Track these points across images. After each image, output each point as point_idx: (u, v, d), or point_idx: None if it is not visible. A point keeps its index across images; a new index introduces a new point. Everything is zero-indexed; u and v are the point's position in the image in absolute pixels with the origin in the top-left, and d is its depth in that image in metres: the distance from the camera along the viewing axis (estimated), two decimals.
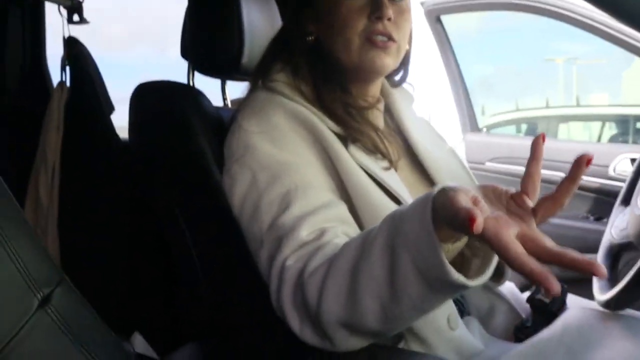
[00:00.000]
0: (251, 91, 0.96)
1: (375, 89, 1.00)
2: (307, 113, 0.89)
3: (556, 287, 0.50)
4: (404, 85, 1.09)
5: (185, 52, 1.11)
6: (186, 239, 0.94)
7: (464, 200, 0.55)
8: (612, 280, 1.06)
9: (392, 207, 0.85)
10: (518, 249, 0.52)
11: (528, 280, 0.51)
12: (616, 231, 1.12)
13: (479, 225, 0.51)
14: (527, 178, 0.65)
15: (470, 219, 0.51)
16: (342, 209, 0.84)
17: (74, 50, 1.41)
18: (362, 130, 0.91)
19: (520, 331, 1.03)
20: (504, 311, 1.06)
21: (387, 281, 0.64)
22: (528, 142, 0.68)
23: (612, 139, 3.37)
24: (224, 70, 1.13)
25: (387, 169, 0.91)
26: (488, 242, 0.53)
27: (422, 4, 2.31)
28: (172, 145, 0.96)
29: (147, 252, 1.27)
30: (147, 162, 1.00)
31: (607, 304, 1.00)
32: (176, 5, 1.15)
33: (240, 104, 0.96)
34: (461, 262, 0.68)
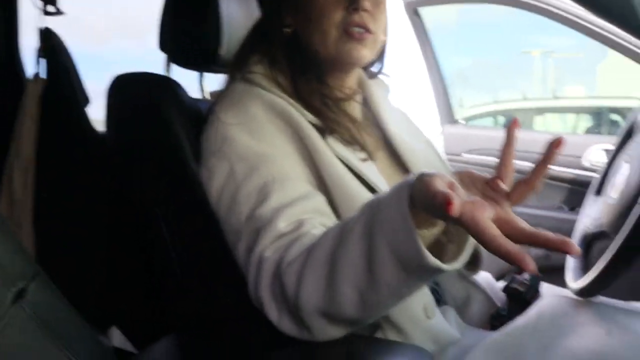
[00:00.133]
0: (229, 83, 0.96)
1: (352, 80, 1.00)
2: (284, 105, 0.89)
3: (532, 265, 0.51)
4: (381, 76, 1.10)
5: (162, 45, 1.10)
6: (164, 232, 0.94)
7: (441, 185, 0.56)
8: (585, 269, 1.08)
9: (369, 198, 0.86)
10: (494, 231, 0.53)
11: (505, 261, 0.52)
12: (589, 220, 1.14)
13: (455, 208, 0.52)
14: (501, 163, 0.67)
15: (447, 202, 0.52)
16: (320, 200, 0.85)
17: (49, 42, 1.39)
18: (339, 122, 0.91)
19: (496, 319, 1.05)
20: (480, 300, 1.08)
21: (365, 268, 0.65)
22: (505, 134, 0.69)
23: (587, 131, 3.43)
24: (202, 63, 1.12)
25: (364, 160, 0.91)
26: (464, 225, 0.54)
27: None
28: (150, 138, 0.95)
29: (124, 246, 1.26)
30: (124, 155, 0.99)
31: (580, 292, 1.02)
32: None
33: (218, 96, 0.96)
34: (437, 249, 0.69)
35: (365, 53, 0.92)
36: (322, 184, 0.87)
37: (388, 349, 0.76)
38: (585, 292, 1.01)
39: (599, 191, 1.20)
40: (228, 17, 1.05)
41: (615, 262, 0.95)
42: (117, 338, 1.29)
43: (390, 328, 0.86)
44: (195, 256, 0.94)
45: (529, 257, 0.51)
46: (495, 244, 0.52)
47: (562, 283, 1.11)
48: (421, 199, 0.59)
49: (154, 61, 1.16)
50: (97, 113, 1.22)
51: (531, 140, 1.76)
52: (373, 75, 1.08)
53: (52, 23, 1.44)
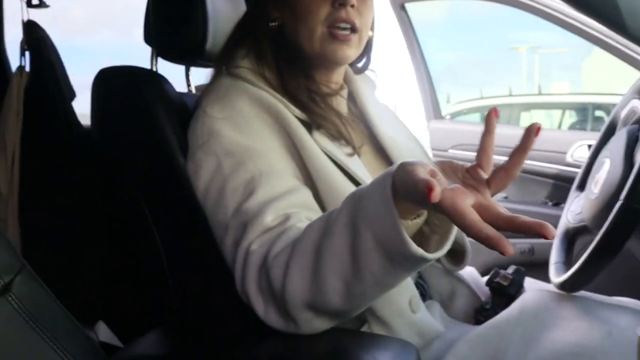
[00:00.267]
0: (215, 77, 0.96)
1: (338, 76, 1.00)
2: (271, 99, 0.89)
3: (510, 249, 0.52)
4: (367, 72, 1.10)
5: (148, 38, 1.10)
6: (151, 226, 0.94)
7: (422, 173, 0.57)
8: (568, 264, 1.09)
9: None
10: (474, 216, 0.54)
11: (485, 245, 0.53)
12: (572, 215, 1.15)
13: (436, 195, 0.53)
14: (481, 151, 0.67)
15: (428, 189, 0.53)
16: (306, 194, 0.85)
17: (34, 35, 1.38)
18: (325, 117, 0.92)
19: (480, 313, 1.06)
20: (464, 295, 1.09)
21: (350, 258, 0.66)
22: None
23: (572, 126, 3.45)
24: (188, 56, 1.12)
25: (350, 155, 0.92)
26: (445, 212, 0.55)
27: None
28: (136, 132, 0.95)
29: (111, 240, 1.25)
30: (110, 149, 0.99)
31: (563, 286, 1.03)
32: None
33: (204, 90, 0.96)
34: (421, 240, 0.70)
35: (350, 53, 0.93)
36: (309, 178, 0.88)
37: (373, 343, 0.77)
38: (568, 287, 1.03)
39: (581, 186, 1.22)
40: (214, 10, 1.04)
41: (597, 257, 0.96)
42: (103, 332, 1.29)
43: (376, 322, 0.87)
44: (182, 250, 0.94)
45: (508, 241, 0.52)
46: (475, 229, 0.53)
47: (545, 278, 1.12)
48: (403, 188, 0.60)
49: (140, 55, 1.16)
50: (83, 106, 1.21)
51: (518, 136, 1.77)
52: (359, 71, 1.09)
53: (36, 15, 1.43)
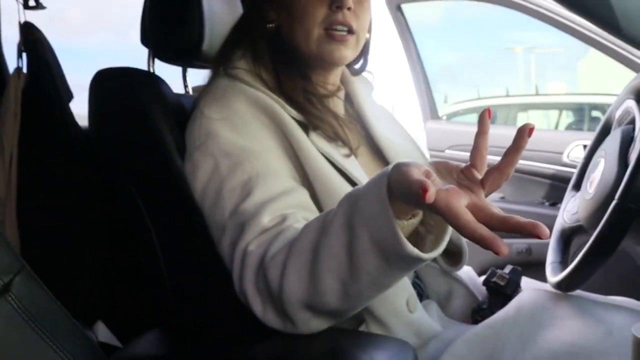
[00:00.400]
0: (212, 78, 0.96)
1: (335, 77, 1.01)
2: (268, 100, 0.90)
3: (504, 249, 0.52)
4: (364, 73, 1.11)
5: (145, 39, 1.10)
6: (149, 227, 0.94)
7: (417, 173, 0.57)
8: (564, 263, 1.09)
9: None
10: (468, 217, 0.55)
11: (479, 245, 0.53)
12: (568, 215, 1.16)
13: (431, 195, 0.53)
14: (475, 152, 0.68)
15: (423, 190, 0.53)
16: (303, 195, 0.86)
17: (31, 37, 1.38)
18: (322, 118, 0.92)
19: (477, 313, 1.06)
20: (461, 295, 1.10)
21: (346, 258, 0.66)
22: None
23: (569, 127, 3.46)
24: (185, 58, 1.12)
25: (347, 156, 0.92)
26: (440, 212, 0.56)
27: None
28: (133, 134, 0.95)
29: (109, 241, 1.25)
30: (108, 150, 0.99)
31: (559, 286, 1.04)
32: None
33: (201, 91, 0.96)
34: (416, 240, 0.70)
35: (347, 54, 0.93)
36: (305, 179, 0.88)
37: (371, 343, 0.77)
38: (564, 286, 1.03)
39: (576, 186, 1.22)
40: (210, 11, 1.05)
41: (592, 256, 0.97)
42: (102, 332, 1.29)
43: (373, 322, 0.87)
44: (179, 251, 0.94)
45: (502, 241, 0.52)
46: (469, 229, 0.54)
47: (542, 277, 1.12)
48: (398, 188, 0.60)
49: (137, 56, 1.16)
50: (80, 107, 1.21)
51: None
52: (356, 73, 1.09)
53: (33, 17, 1.43)
